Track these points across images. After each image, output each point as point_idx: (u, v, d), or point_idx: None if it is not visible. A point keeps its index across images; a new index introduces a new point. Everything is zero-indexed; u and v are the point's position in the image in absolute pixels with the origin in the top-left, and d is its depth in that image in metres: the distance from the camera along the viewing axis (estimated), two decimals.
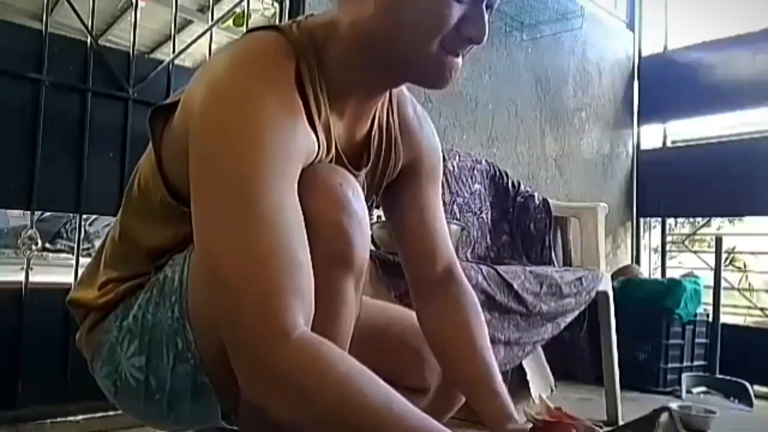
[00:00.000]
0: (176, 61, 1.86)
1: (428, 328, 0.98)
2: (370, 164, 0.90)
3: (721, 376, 2.81)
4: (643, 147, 3.79)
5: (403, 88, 0.95)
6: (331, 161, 0.81)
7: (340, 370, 0.62)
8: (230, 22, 2.75)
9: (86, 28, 1.70)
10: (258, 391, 0.64)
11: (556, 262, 2.56)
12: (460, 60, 0.78)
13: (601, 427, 0.85)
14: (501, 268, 1.73)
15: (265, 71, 0.71)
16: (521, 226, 2.55)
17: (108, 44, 3.20)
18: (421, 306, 1.01)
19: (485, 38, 0.76)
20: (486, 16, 0.76)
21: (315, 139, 0.75)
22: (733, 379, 2.72)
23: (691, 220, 4.52)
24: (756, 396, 2.66)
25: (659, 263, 3.88)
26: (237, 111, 0.67)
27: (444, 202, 2.25)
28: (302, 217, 0.67)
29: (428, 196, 1.00)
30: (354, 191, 0.75)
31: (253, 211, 0.63)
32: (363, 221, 0.75)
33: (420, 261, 1.00)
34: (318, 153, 0.77)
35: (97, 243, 0.98)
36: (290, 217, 0.65)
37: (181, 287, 0.78)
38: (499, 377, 0.94)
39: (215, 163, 0.66)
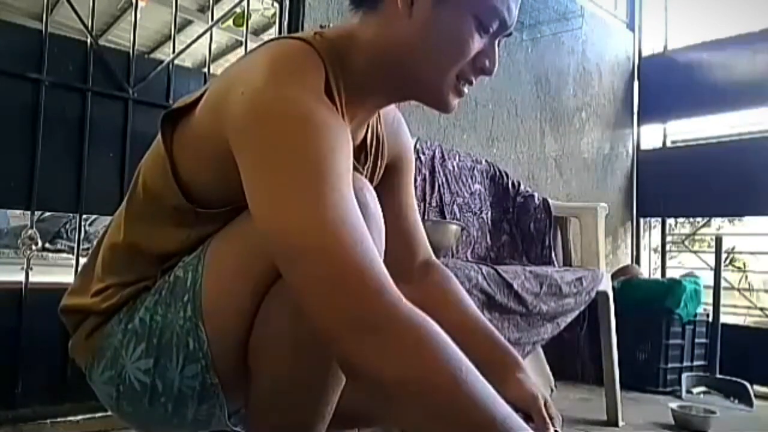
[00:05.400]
0: (176, 61, 1.86)
1: (421, 306, 1.01)
2: (367, 166, 0.93)
3: (721, 376, 2.80)
4: (643, 147, 3.80)
5: None
6: None
7: (447, 340, 0.63)
8: (230, 22, 2.76)
9: (86, 28, 1.70)
10: (372, 349, 0.62)
11: (556, 262, 2.56)
12: (467, 89, 0.82)
13: None
14: (501, 268, 1.73)
15: (305, 76, 0.72)
16: (521, 226, 2.56)
17: (108, 44, 3.21)
18: (408, 292, 1.03)
19: (495, 71, 0.81)
20: (497, 51, 0.82)
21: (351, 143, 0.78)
22: (733, 379, 2.72)
23: (691, 220, 4.53)
24: (756, 396, 2.67)
25: (659, 263, 3.88)
26: (294, 106, 0.68)
27: (444, 202, 2.26)
28: None
29: (406, 194, 1.04)
30: (371, 195, 0.78)
31: (336, 191, 0.65)
32: (381, 224, 0.78)
33: (401, 256, 1.04)
34: None
35: None
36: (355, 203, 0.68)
37: (195, 287, 0.78)
38: (500, 335, 0.99)
39: (283, 146, 0.66)
